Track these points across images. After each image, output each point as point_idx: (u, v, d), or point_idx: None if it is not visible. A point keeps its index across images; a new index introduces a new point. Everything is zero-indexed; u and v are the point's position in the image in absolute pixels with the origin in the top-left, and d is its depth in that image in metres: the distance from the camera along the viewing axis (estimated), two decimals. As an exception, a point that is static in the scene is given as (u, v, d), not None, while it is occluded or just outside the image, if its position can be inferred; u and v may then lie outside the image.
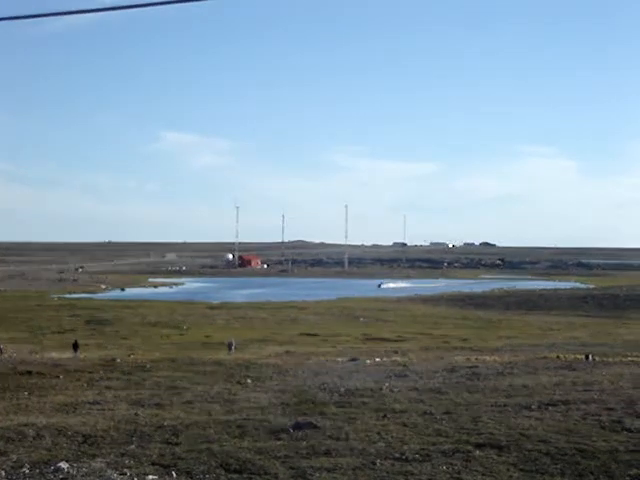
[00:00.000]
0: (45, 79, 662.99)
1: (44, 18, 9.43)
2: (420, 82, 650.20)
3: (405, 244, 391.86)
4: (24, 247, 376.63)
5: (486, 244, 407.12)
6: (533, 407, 21.09)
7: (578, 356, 43.27)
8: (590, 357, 41.60)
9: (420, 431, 17.86)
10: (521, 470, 13.98)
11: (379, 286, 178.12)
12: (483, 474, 13.69)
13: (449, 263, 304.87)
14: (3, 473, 14.02)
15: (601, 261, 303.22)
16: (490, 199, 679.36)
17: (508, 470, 13.97)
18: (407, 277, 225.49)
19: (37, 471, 14.23)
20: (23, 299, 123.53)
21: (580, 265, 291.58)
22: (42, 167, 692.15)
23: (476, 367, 34.91)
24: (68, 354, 47.50)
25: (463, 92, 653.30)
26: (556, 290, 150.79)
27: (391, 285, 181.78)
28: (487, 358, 43.07)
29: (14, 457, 15.43)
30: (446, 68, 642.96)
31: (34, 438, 17.51)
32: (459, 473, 13.75)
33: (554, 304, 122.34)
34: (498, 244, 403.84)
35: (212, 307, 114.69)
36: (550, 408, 20.87)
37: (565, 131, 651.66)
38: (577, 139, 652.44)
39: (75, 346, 51.22)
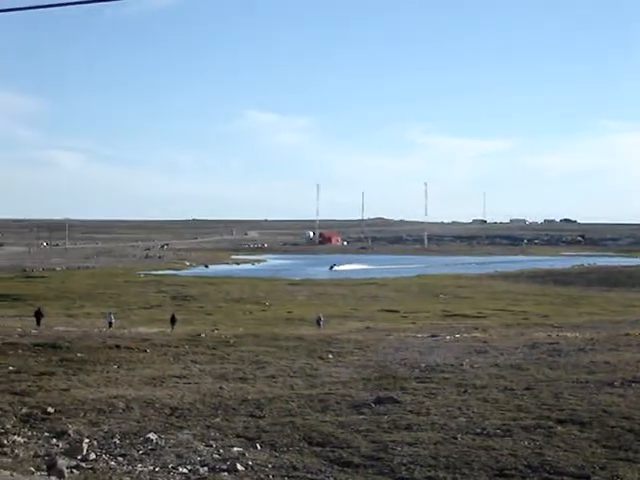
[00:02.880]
0: (129, 60, 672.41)
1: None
2: (497, 57, 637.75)
3: (485, 221, 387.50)
4: (111, 225, 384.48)
5: (567, 220, 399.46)
6: (616, 384, 20.85)
7: (662, 333, 42.43)
8: (675, 334, 40.80)
9: (501, 406, 17.90)
10: (604, 447, 13.92)
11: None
12: (565, 450, 13.69)
13: (529, 240, 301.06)
14: (95, 443, 14.57)
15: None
16: (571, 175, 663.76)
17: (591, 446, 13.94)
18: (487, 254, 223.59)
19: (127, 441, 14.75)
20: (111, 276, 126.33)
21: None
22: (127, 146, 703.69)
23: (557, 343, 34.55)
24: (155, 329, 48.59)
25: (542, 67, 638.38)
26: (638, 266, 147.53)
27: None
28: (568, 334, 42.52)
29: (105, 428, 15.98)
30: (522, 43, 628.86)
31: (124, 410, 18.05)
32: (541, 448, 13.77)
33: (636, 281, 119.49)
34: (579, 220, 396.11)
35: (293, 283, 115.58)
36: (633, 385, 20.61)
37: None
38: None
39: (173, 320, 53.48)
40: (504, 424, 15.72)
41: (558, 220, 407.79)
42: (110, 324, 52.50)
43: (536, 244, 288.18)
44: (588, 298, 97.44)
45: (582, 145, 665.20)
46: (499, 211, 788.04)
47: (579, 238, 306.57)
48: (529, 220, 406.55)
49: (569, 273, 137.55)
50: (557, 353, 30.13)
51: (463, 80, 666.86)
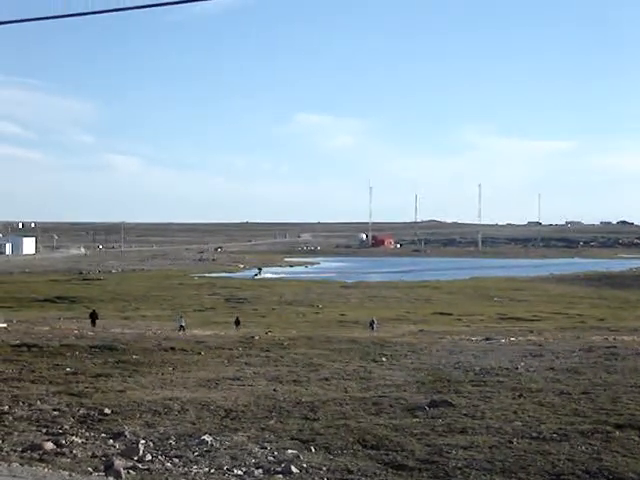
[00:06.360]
0: (184, 64, 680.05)
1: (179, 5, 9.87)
2: (554, 58, 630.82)
3: (540, 223, 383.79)
4: (165, 228, 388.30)
5: (624, 222, 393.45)
6: (676, 388, 20.49)
7: None
8: None
9: (557, 411, 17.67)
10: (664, 452, 13.68)
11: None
12: (624, 455, 13.43)
13: (585, 242, 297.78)
14: (151, 444, 14.67)
15: None
16: (628, 177, 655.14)
17: (650, 452, 13.70)
18: (542, 256, 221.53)
19: (182, 443, 14.81)
20: (166, 278, 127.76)
21: None
22: (181, 151, 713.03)
23: (614, 347, 34.03)
24: (209, 331, 48.96)
25: (599, 68, 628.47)
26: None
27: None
28: (625, 338, 41.89)
29: (161, 429, 16.06)
30: (579, 42, 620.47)
31: (179, 412, 18.14)
32: (599, 454, 13.54)
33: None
34: (637, 222, 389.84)
35: (346, 286, 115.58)
36: (694, 390, 20.24)
37: None
38: None
39: (237, 322, 55.42)
40: (560, 428, 15.51)
41: (615, 222, 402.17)
42: (181, 327, 52.18)
43: (592, 246, 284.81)
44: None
45: (639, 146, 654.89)
46: (554, 213, 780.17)
47: (636, 240, 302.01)
48: (585, 222, 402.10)
49: (626, 276, 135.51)
50: (614, 357, 29.66)
51: (520, 81, 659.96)
